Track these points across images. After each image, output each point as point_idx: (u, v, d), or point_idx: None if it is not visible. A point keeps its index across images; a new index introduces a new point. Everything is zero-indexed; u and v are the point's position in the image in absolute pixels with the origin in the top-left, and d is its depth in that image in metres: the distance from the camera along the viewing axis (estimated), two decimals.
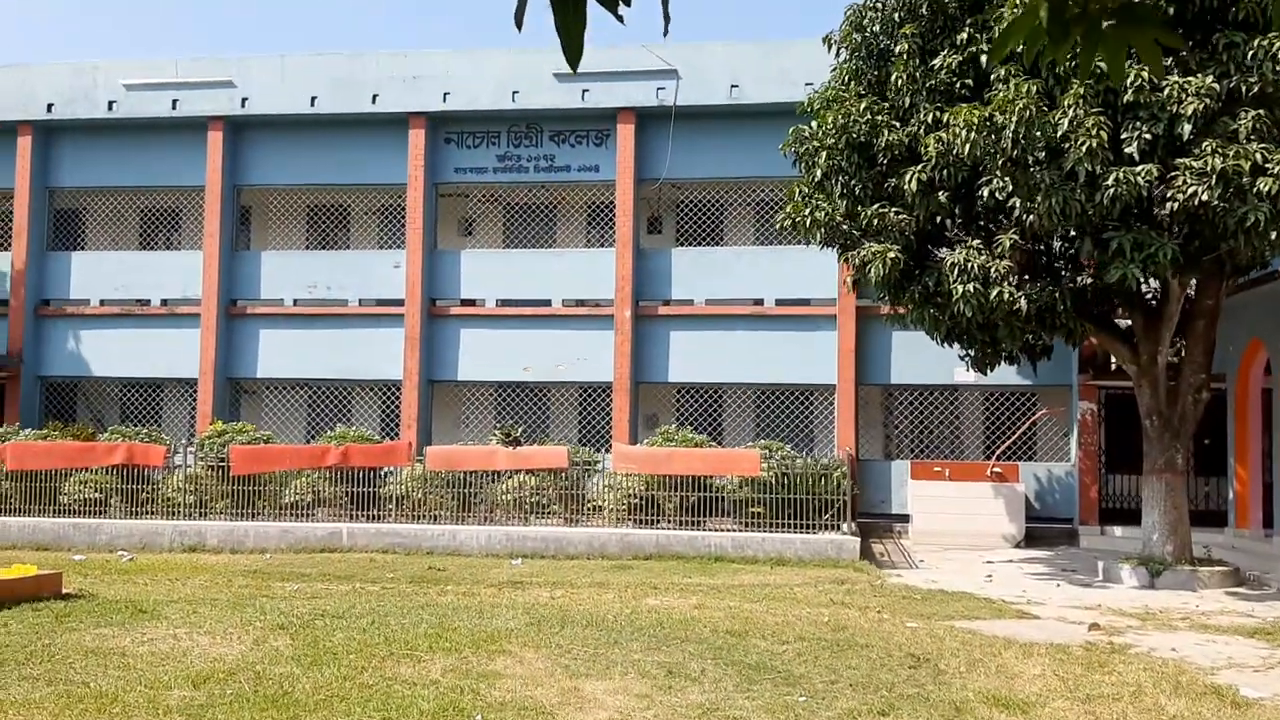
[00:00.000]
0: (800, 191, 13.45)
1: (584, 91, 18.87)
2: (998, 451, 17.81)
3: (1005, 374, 17.32)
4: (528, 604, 10.58)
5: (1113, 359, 17.39)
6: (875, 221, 12.13)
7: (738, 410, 19.87)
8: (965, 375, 18.00)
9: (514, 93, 19.02)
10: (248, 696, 6.67)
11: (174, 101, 19.91)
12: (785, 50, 18.37)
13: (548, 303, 19.36)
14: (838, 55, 13.77)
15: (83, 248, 21.42)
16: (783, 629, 9.33)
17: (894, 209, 12.16)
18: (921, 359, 18.15)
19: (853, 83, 13.54)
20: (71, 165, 20.63)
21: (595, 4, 2.52)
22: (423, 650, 8.06)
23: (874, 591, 11.92)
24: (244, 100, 19.72)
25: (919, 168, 11.94)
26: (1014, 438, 18.01)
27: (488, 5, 59.75)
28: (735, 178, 19.09)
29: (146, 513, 15.67)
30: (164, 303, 20.21)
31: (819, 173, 12.74)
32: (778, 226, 13.86)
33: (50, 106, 20.24)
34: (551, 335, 19.19)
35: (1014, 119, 10.75)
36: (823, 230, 12.71)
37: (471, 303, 19.73)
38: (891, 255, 11.89)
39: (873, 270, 12.07)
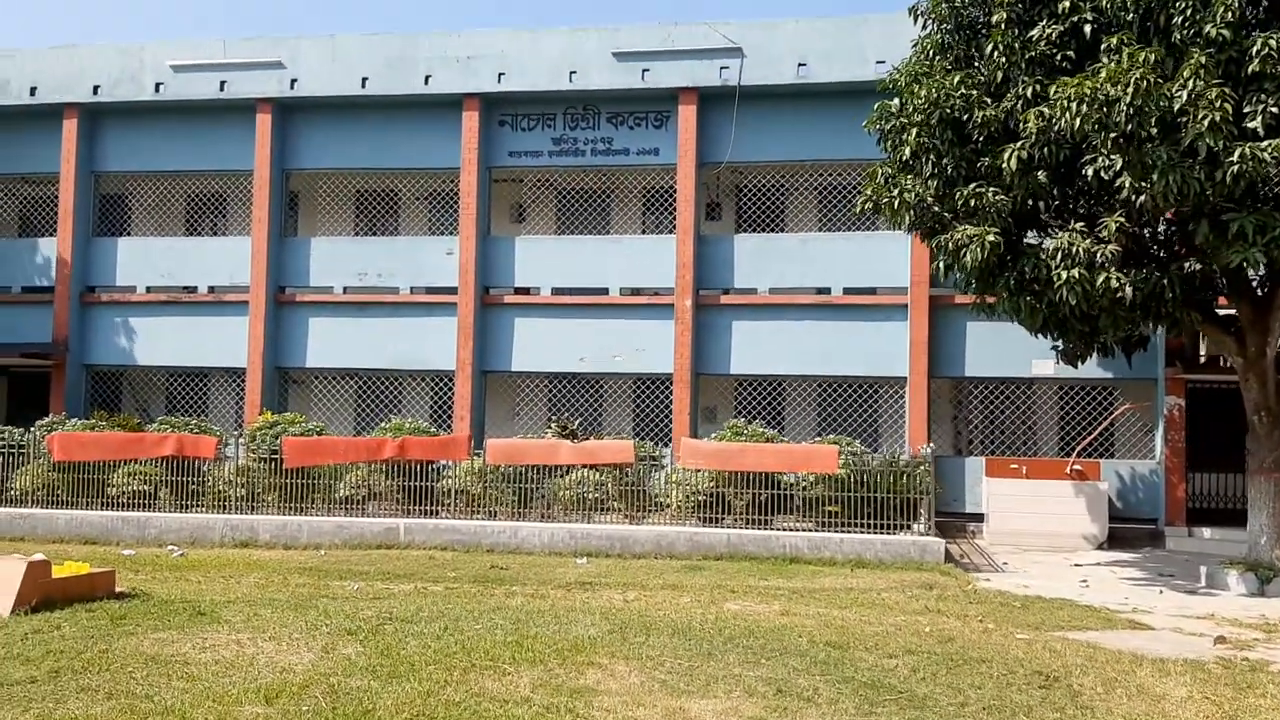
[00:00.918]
0: (884, 172, 12.76)
1: (644, 71, 18.25)
2: (1078, 448, 17.01)
3: (1085, 367, 16.50)
4: (604, 608, 9.98)
5: (1202, 351, 16.59)
6: (972, 202, 11.41)
7: (799, 404, 19.20)
8: (1044, 367, 17.25)
9: (571, 73, 18.44)
10: (326, 716, 6.09)
11: (222, 83, 19.48)
12: (857, 27, 17.65)
13: (604, 291, 18.78)
14: (923, 28, 13.05)
15: (128, 233, 21.06)
16: (885, 640, 8.66)
17: (991, 189, 11.41)
18: (997, 350, 17.42)
19: (938, 57, 12.85)
20: (117, 149, 20.26)
21: None
22: (505, 661, 7.46)
23: (967, 598, 11.22)
24: (293, 81, 19.27)
25: (1018, 145, 11.20)
26: (1095, 433, 17.20)
27: None
28: (800, 161, 18.39)
29: (196, 506, 15.28)
30: (211, 290, 19.81)
31: (907, 151, 12.06)
32: (857, 210, 13.18)
33: (96, 88, 19.87)
34: (608, 325, 18.61)
35: (1129, 91, 9.97)
36: (912, 212, 12.01)
37: (526, 291, 19.21)
38: (991, 238, 11.16)
39: (968, 255, 11.34)
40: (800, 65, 17.79)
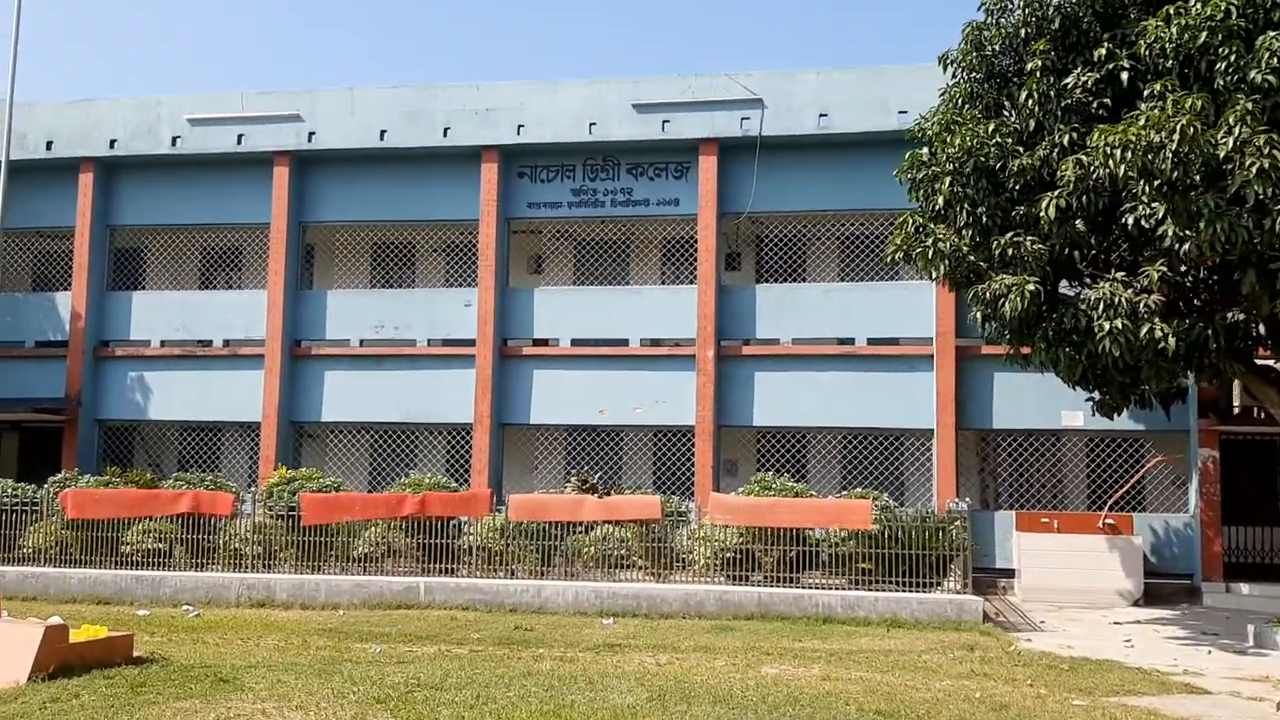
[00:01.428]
0: (914, 221, 12.57)
1: (664, 122, 18.18)
2: (1110, 501, 16.65)
3: (1116, 419, 16.23)
4: (637, 672, 9.61)
5: (1235, 402, 16.28)
6: (1009, 251, 11.20)
7: (823, 456, 18.89)
8: (1074, 419, 16.95)
9: (591, 124, 18.38)
10: None
11: (239, 136, 19.44)
12: (878, 77, 17.59)
13: (624, 342, 18.55)
14: (952, 76, 12.94)
15: (143, 287, 20.92)
16: (936, 708, 8.29)
17: (1029, 238, 11.21)
18: (1025, 402, 17.12)
19: (966, 105, 12.72)
20: (133, 202, 20.19)
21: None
22: None
23: (1012, 660, 10.83)
24: (311, 134, 19.23)
25: (1056, 193, 11.01)
26: (1127, 486, 16.84)
27: (562, 33, 59.61)
28: (820, 211, 18.26)
29: (211, 564, 14.97)
30: (226, 344, 19.61)
31: (940, 200, 11.88)
32: (887, 259, 13.01)
33: (113, 142, 19.84)
34: (628, 376, 18.36)
35: (1174, 138, 9.79)
36: (947, 262, 11.79)
37: (544, 342, 18.99)
38: (1030, 287, 10.93)
39: (1007, 304, 11.11)
40: (821, 115, 17.71)
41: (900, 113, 17.16)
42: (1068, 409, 16.81)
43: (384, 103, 19.09)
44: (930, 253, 11.90)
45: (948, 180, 11.77)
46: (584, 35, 58.69)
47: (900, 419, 17.57)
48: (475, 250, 19.09)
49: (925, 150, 12.41)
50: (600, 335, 18.67)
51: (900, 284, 17.99)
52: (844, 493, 15.29)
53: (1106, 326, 10.64)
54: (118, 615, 12.95)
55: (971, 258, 11.78)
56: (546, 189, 18.85)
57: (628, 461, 19.46)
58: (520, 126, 18.59)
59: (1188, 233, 10.18)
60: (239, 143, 19.46)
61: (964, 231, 11.90)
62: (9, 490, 15.66)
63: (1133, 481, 16.88)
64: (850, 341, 17.89)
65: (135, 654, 9.56)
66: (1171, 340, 10.78)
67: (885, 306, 17.78)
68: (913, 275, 17.81)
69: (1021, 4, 12.18)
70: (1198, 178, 10.13)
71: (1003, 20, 12.35)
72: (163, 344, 19.82)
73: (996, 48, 12.37)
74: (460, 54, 59.26)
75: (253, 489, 16.37)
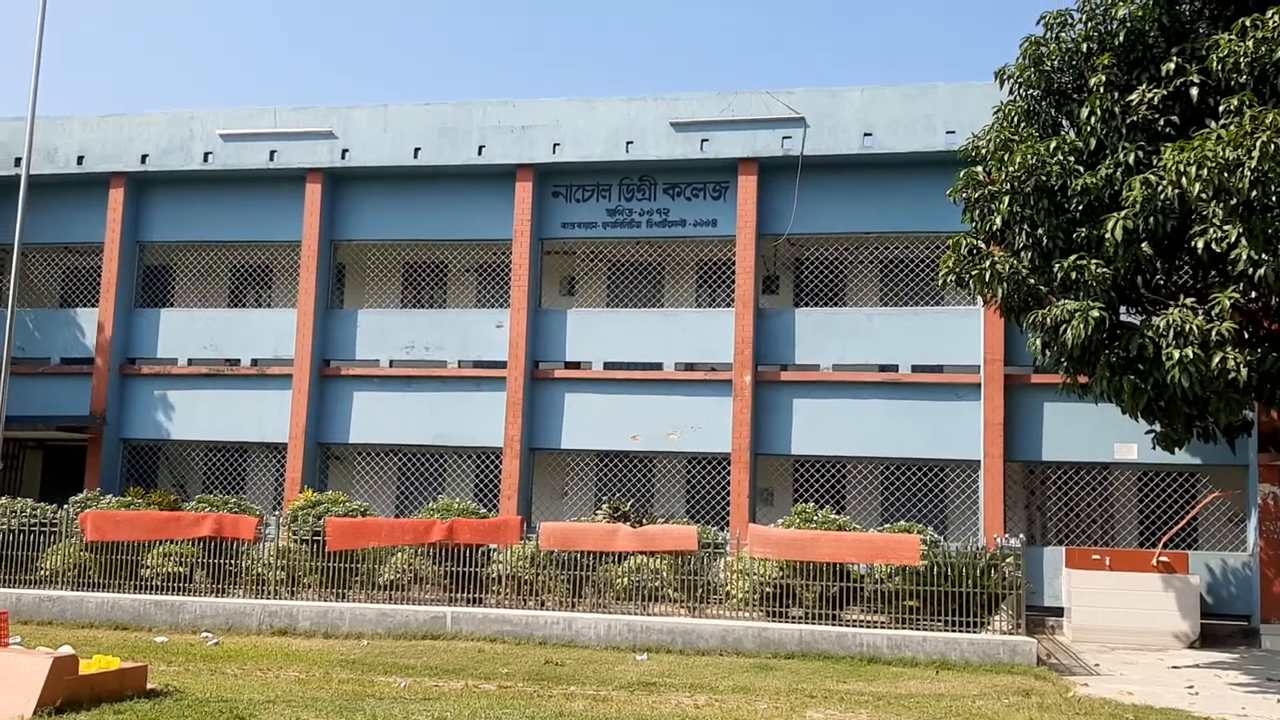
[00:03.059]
0: (968, 243, 12.07)
1: (703, 141, 17.80)
2: (1164, 538, 15.94)
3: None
4: (674, 715, 9.06)
5: None
6: (1072, 275, 10.64)
7: (862, 487, 18.35)
8: (1127, 451, 16.32)
9: (628, 143, 18.04)
10: None
11: (272, 153, 19.22)
12: (925, 95, 17.14)
13: (659, 366, 18.13)
14: (1009, 93, 12.46)
15: (171, 305, 20.73)
16: None
17: (1093, 261, 10.65)
18: (1076, 433, 16.52)
19: (1023, 123, 12.22)
20: (163, 219, 19.99)
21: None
22: None
23: (1071, 708, 10.17)
24: (344, 152, 18.99)
25: (1123, 214, 10.47)
26: (1182, 523, 16.12)
27: (598, 52, 59.50)
28: (862, 233, 17.81)
29: (233, 589, 14.60)
30: (254, 363, 19.34)
31: (998, 221, 11.40)
32: (939, 284, 12.53)
33: (144, 157, 19.65)
34: (662, 402, 17.92)
35: (1254, 155, 9.22)
36: (1005, 285, 11.25)
37: (576, 365, 18.59)
38: (1095, 313, 10.36)
39: (1069, 331, 10.56)
40: (866, 135, 17.26)
41: (948, 132, 16.74)
42: (1120, 441, 16.21)
43: (418, 120, 18.82)
44: (987, 275, 11.40)
45: (1006, 200, 11.27)
46: (621, 53, 58.59)
47: (944, 449, 16.99)
48: (508, 271, 18.78)
49: (981, 169, 11.94)
50: (634, 359, 18.28)
51: (946, 310, 17.49)
52: (885, 526, 14.76)
53: (1176, 355, 10.05)
54: (135, 642, 12.54)
55: (1031, 281, 11.27)
56: (581, 209, 18.52)
57: (660, 489, 19.03)
58: (556, 145, 18.28)
59: (1264, 256, 9.60)
60: (271, 159, 19.24)
61: (1023, 254, 11.41)
62: (28, 510, 15.34)
63: (1188, 518, 16.18)
64: (893, 368, 17.36)
65: (149, 686, 9.11)
66: (1244, 371, 10.18)
67: (930, 333, 17.26)
68: (959, 300, 17.37)
69: (1084, 18, 11.71)
70: (1275, 198, 9.56)
71: (1063, 35, 11.88)
72: (190, 362, 19.55)
73: (1056, 63, 11.89)
74: (494, 72, 59.30)
75: (277, 512, 16.07)
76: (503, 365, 18.32)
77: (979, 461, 16.74)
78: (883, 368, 17.56)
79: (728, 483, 17.59)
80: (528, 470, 18.22)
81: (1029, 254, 11.41)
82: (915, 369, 17.28)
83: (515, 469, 17.89)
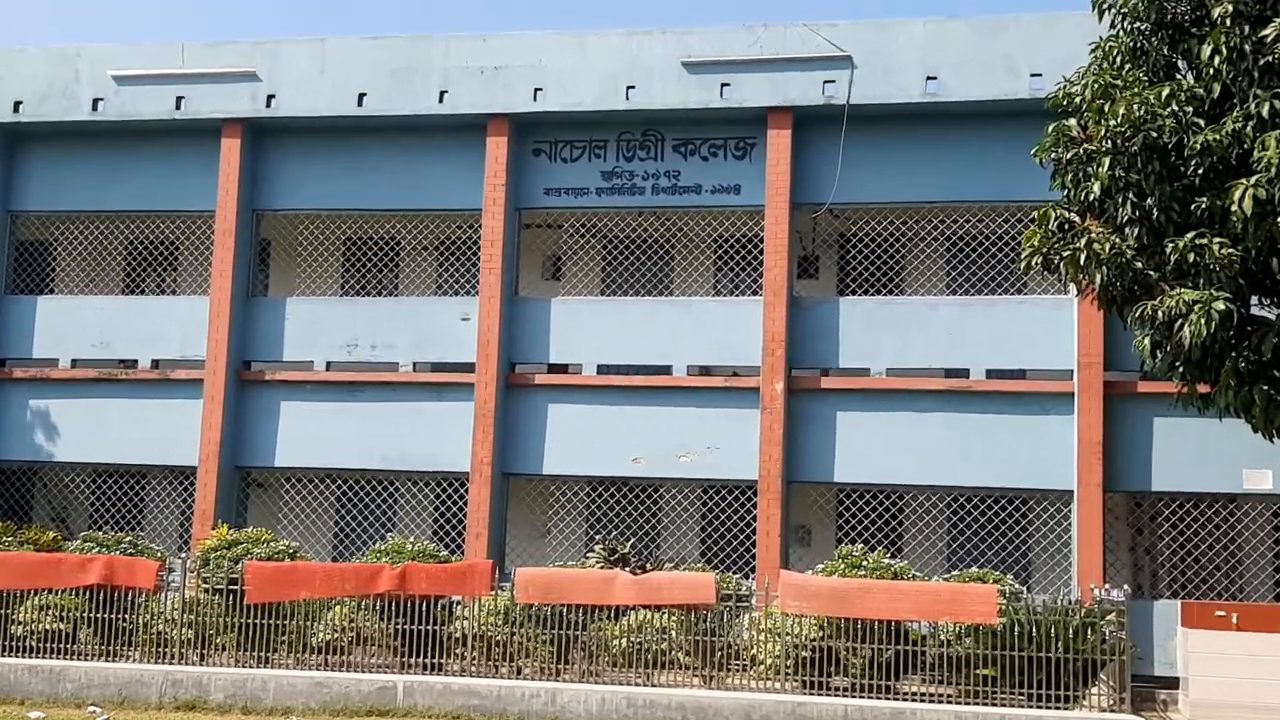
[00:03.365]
0: (1058, 216, 12.08)
1: (723, 86, 17.85)
2: None
3: None
4: None
5: None
6: (1189, 257, 10.65)
7: (924, 524, 18.43)
8: (1260, 480, 16.39)
9: (628, 88, 18.10)
10: None
11: (178, 99, 19.30)
12: (1004, 30, 17.20)
13: (667, 370, 18.19)
14: (1110, 27, 12.49)
15: (51, 291, 20.82)
16: None
17: (1216, 240, 10.65)
18: (1194, 457, 16.54)
19: (1128, 65, 12.25)
20: (41, 183, 20.05)
21: None
22: None
23: None
24: (270, 98, 19.05)
25: (1253, 180, 10.47)
26: None
27: None
28: (925, 203, 17.88)
29: (128, 652, 14.77)
30: (156, 365, 19.40)
31: (1096, 188, 11.44)
32: (1021, 266, 12.57)
33: (17, 105, 19.70)
34: (671, 415, 17.97)
35: None
36: (1104, 270, 11.25)
37: (563, 369, 18.67)
38: (1220, 305, 10.37)
39: (1187, 328, 10.58)
40: (929, 79, 17.29)
41: (1033, 75, 16.76)
42: (1251, 466, 16.23)
43: (364, 58, 18.89)
44: (1082, 257, 11.39)
45: (1107, 161, 11.25)
46: None
47: (1028, 476, 17.01)
48: (476, 249, 18.84)
49: (1074, 122, 11.96)
50: (636, 360, 18.36)
51: (1030, 299, 17.59)
52: (954, 573, 14.79)
53: None
54: (1, 717, 12.59)
55: (1138, 264, 11.27)
56: (569, 171, 18.59)
57: (668, 525, 19.15)
58: (537, 90, 18.32)
59: None
60: (178, 107, 19.30)
61: (1127, 230, 11.42)
62: None
63: None
64: (963, 373, 17.40)
65: None
66: None
67: (1010, 328, 17.29)
68: (1046, 288, 17.35)
69: None
70: None
71: None
72: (75, 364, 19.59)
73: None
74: (461, 6, 59.32)
75: (184, 554, 16.06)
76: (470, 368, 18.36)
77: (1071, 492, 16.75)
78: (950, 373, 17.60)
79: (753, 518, 17.61)
80: (501, 501, 18.26)
81: (1135, 230, 11.39)
82: (991, 374, 17.29)
83: (485, 500, 17.91)
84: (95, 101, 19.51)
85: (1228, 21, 11.10)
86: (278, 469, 19.17)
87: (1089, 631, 13.03)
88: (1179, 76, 11.93)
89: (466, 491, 18.23)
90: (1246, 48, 11.04)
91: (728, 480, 17.96)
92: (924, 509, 18.36)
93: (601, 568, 14.86)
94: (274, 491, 19.86)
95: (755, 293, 18.31)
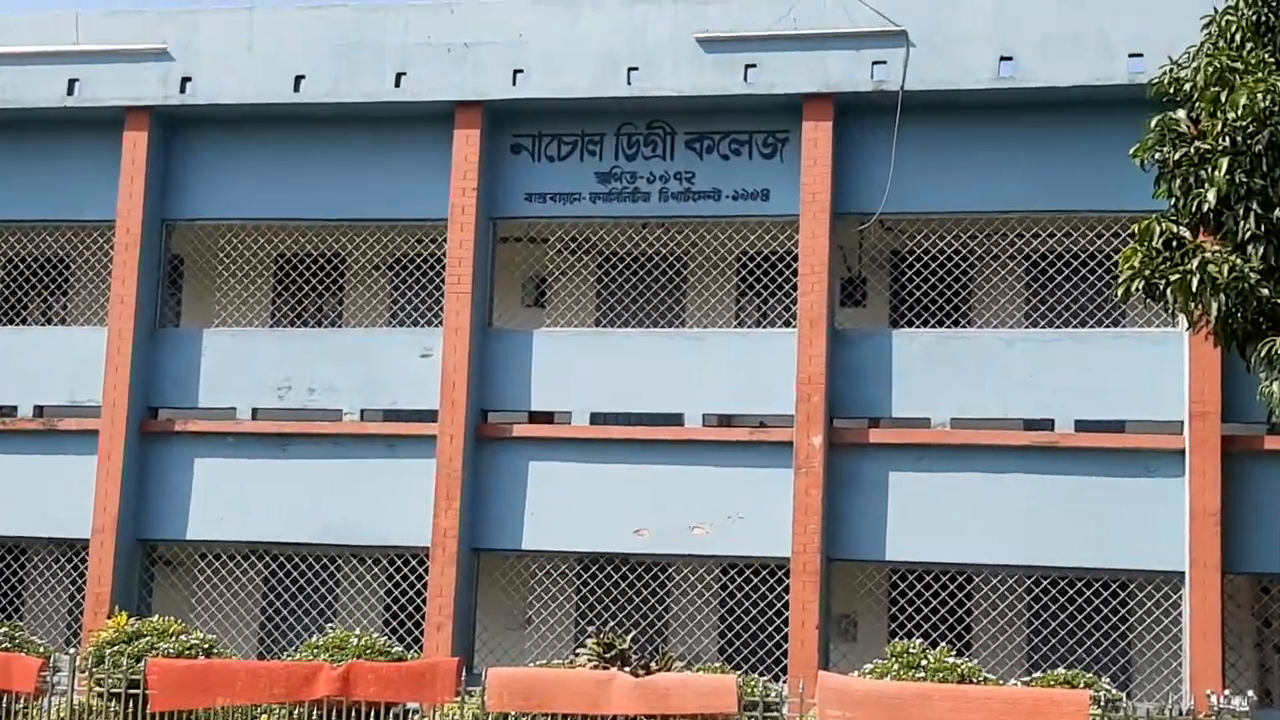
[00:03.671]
0: (1164, 231, 12.17)
1: (748, 68, 18.03)
2: None
3: None
4: None
5: None
6: None
7: (998, 614, 18.43)
8: None
9: (630, 70, 18.28)
10: None
11: (71, 83, 19.49)
12: (1094, 2, 17.34)
13: (677, 419, 18.30)
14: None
15: None
16: None
17: None
18: None
19: (1249, 43, 12.40)
20: None
21: None
22: None
23: None
24: (185, 81, 19.23)
25: None
26: None
27: None
28: (998, 212, 18.03)
29: None
30: (39, 412, 19.57)
31: (1211, 196, 11.47)
32: (1117, 293, 12.60)
33: None
34: (683, 475, 18.05)
35: None
36: (1222, 298, 11.33)
37: (548, 418, 18.84)
38: None
39: None
40: (1003, 59, 17.45)
41: (1132, 56, 16.89)
42: None
43: (302, 32, 19.11)
44: (1194, 282, 11.44)
45: (1225, 163, 11.31)
46: None
47: (1127, 554, 17.04)
48: (440, 268, 19.01)
49: (1184, 115, 12.03)
50: (639, 407, 18.53)
51: (1130, 333, 17.78)
52: (1036, 675, 14.83)
53: None
54: None
55: (1264, 291, 11.35)
56: (557, 172, 18.77)
57: (679, 614, 19.33)
58: (517, 72, 18.52)
59: None
60: (70, 92, 19.50)
61: (1250, 248, 11.48)
62: None
63: None
64: (1047, 425, 17.49)
65: None
66: None
67: (1104, 369, 17.36)
68: (1149, 319, 17.44)
69: None
70: None
71: None
72: None
73: None
74: None
75: (73, 649, 16.08)
76: (432, 417, 18.45)
77: (1182, 574, 16.79)
78: (1030, 424, 17.73)
79: (785, 606, 17.66)
80: (469, 584, 18.35)
81: (1260, 248, 11.46)
82: (1081, 426, 17.34)
83: (450, 582, 17.96)
84: None
85: None
86: (190, 542, 19.26)
87: None
88: None
89: (426, 571, 18.29)
90: None
91: (753, 558, 18.04)
92: (998, 594, 18.38)
93: (595, 667, 14.81)
94: (186, 571, 19.94)
95: (788, 324, 18.43)
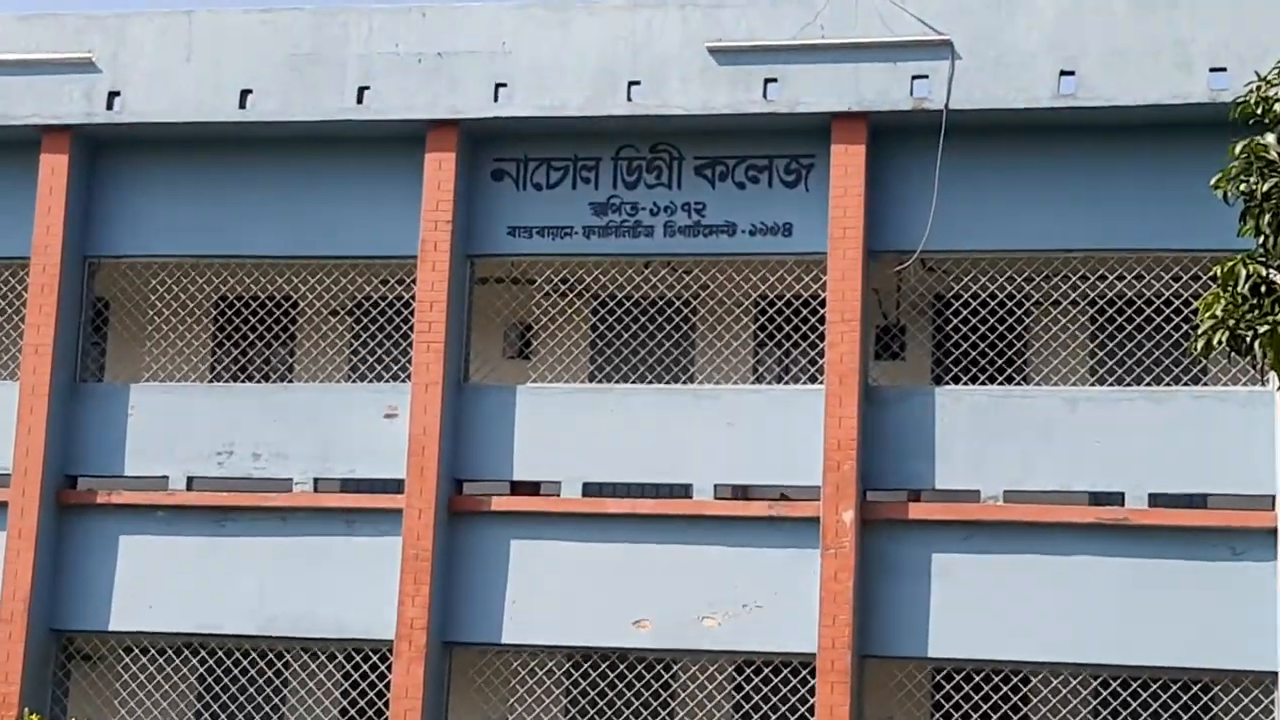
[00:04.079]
0: (1250, 274, 12.33)
1: (767, 83, 18.17)
2: None
3: None
4: None
5: None
6: None
7: (1059, 718, 18.47)
8: None
9: (631, 84, 18.41)
10: None
11: None
12: (1175, 8, 17.39)
13: (686, 491, 18.37)
14: None
15: None
16: None
17: None
18: None
19: None
20: None
21: None
22: None
23: None
24: (113, 96, 19.37)
25: None
26: None
27: None
28: (1058, 251, 18.16)
29: None
30: None
31: None
32: (1196, 348, 12.68)
33: None
34: (691, 556, 18.09)
35: None
36: None
37: (533, 489, 18.95)
38: None
39: None
40: (1063, 74, 17.57)
41: (1213, 71, 17.03)
42: None
43: (250, 41, 19.25)
44: None
45: None
46: None
47: (1212, 651, 17.07)
48: (408, 314, 19.13)
49: (1274, 139, 12.17)
50: (640, 477, 18.61)
51: (1212, 392, 17.89)
52: None
53: None
54: None
55: None
56: (545, 201, 18.89)
57: (687, 718, 19.26)
58: (500, 87, 18.65)
59: None
60: None
61: None
62: None
63: None
64: (1116, 499, 17.55)
65: None
66: None
67: (1183, 434, 17.44)
68: (1235, 375, 17.57)
69: None
70: None
71: None
72: None
73: None
74: None
75: None
76: (397, 487, 18.52)
77: (1275, 674, 16.84)
78: (1097, 498, 17.83)
79: (810, 709, 17.69)
80: (440, 684, 18.40)
81: None
82: (1155, 501, 17.44)
83: (417, 681, 17.97)
84: None
85: None
86: (114, 634, 19.28)
87: None
88: None
89: (390, 669, 18.30)
90: None
91: (773, 654, 18.12)
92: (1059, 698, 18.52)
93: None
94: (108, 667, 19.98)
95: (814, 379, 18.55)
